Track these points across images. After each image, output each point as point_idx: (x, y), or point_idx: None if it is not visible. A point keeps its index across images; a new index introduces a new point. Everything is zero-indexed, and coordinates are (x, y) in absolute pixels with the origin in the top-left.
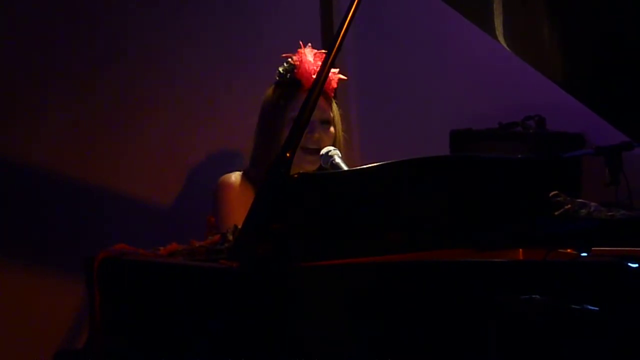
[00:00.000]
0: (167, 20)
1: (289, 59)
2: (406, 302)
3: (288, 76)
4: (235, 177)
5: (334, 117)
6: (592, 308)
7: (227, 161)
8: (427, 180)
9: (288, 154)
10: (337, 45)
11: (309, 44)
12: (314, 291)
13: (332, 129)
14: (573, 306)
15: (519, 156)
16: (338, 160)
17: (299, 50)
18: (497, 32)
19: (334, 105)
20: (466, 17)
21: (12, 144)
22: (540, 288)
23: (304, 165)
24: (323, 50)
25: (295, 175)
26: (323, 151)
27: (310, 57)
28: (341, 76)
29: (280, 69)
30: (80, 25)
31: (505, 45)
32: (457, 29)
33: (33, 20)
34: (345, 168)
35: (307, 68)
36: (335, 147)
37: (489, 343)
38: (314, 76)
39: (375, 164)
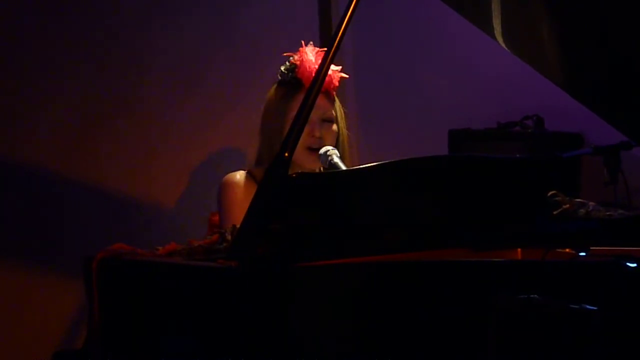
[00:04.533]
0: (167, 20)
1: (290, 58)
2: (405, 302)
3: (290, 76)
4: (239, 176)
5: (336, 115)
6: (591, 308)
7: (227, 161)
8: (425, 180)
9: (286, 154)
10: (335, 45)
11: (311, 43)
12: (312, 291)
13: (334, 127)
14: (571, 306)
15: (518, 156)
16: (336, 159)
17: (300, 49)
18: (496, 32)
19: (337, 104)
20: (465, 17)
21: (10, 143)
22: (538, 288)
23: (307, 165)
24: (324, 49)
25: (294, 175)
26: (322, 151)
27: (311, 56)
28: (343, 74)
29: (282, 68)
30: (79, 25)
31: (503, 45)
32: (456, 29)
33: (30, 19)
34: (344, 168)
35: (308, 67)
36: (339, 145)
37: (488, 342)
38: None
39: (373, 164)
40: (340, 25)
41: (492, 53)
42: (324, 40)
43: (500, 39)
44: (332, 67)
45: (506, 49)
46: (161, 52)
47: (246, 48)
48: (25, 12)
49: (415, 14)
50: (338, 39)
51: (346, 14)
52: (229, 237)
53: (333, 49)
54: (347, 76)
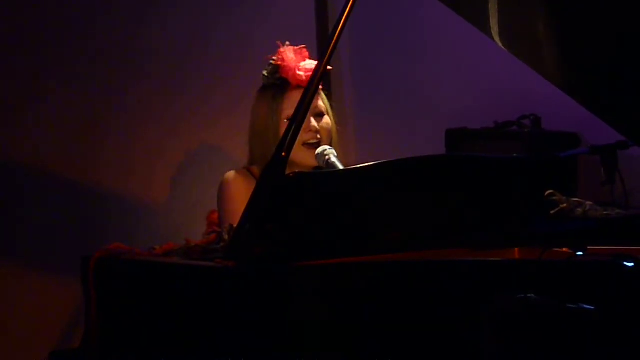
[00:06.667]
0: (163, 20)
1: (271, 61)
2: (403, 301)
3: (274, 77)
4: (240, 173)
5: (326, 108)
6: (588, 307)
7: (224, 160)
8: (423, 179)
9: (283, 154)
10: (332, 45)
11: (287, 42)
12: (310, 291)
13: (326, 119)
14: (569, 305)
15: (515, 155)
16: (334, 159)
17: (279, 50)
18: (493, 32)
19: (323, 96)
20: (462, 16)
21: (7, 143)
22: (536, 287)
23: (306, 162)
24: (302, 46)
25: (291, 175)
26: (318, 150)
27: (291, 54)
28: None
29: (265, 72)
30: (76, 24)
31: (500, 44)
32: (453, 28)
33: (28, 19)
34: (341, 167)
35: (290, 65)
36: (331, 137)
37: (485, 342)
38: (299, 72)
39: (370, 164)
40: (337, 25)
41: (489, 52)
42: (321, 39)
43: (497, 39)
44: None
45: (503, 48)
46: (157, 51)
47: (243, 48)
48: (21, 11)
49: (412, 13)
50: (335, 38)
51: (343, 14)
52: (227, 237)
53: (330, 48)
54: (331, 68)
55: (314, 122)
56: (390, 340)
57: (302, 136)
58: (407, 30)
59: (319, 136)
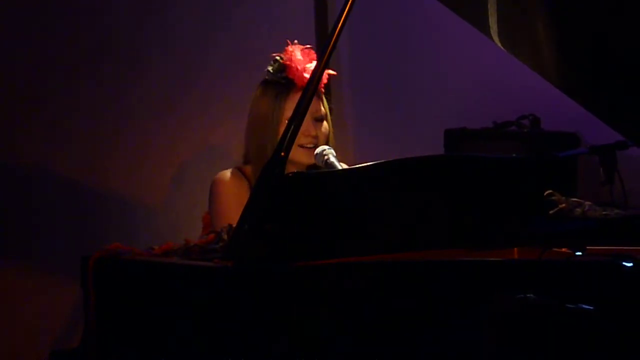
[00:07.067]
0: (162, 20)
1: (278, 58)
2: (402, 301)
3: (279, 76)
4: (231, 173)
5: (326, 113)
6: (587, 307)
7: (221, 160)
8: (422, 179)
9: (282, 154)
10: (331, 45)
11: (296, 41)
12: (309, 291)
13: (324, 123)
14: (568, 305)
15: (514, 155)
16: (332, 159)
17: (287, 48)
18: (492, 31)
19: (324, 100)
20: (461, 16)
21: (8, 143)
22: (535, 287)
23: (302, 160)
24: (309, 45)
25: (290, 175)
26: (317, 150)
27: (299, 55)
28: (330, 71)
29: (270, 69)
30: (76, 25)
31: (499, 45)
32: (451, 28)
33: (29, 19)
34: (340, 167)
35: (298, 67)
36: (328, 141)
37: (485, 342)
38: (305, 74)
39: (369, 164)
40: (337, 25)
41: (489, 53)
42: (320, 40)
43: (496, 39)
44: None
45: (502, 48)
46: (158, 52)
47: (242, 48)
48: (24, 14)
49: (411, 13)
50: (334, 38)
51: (342, 14)
52: (225, 237)
53: (329, 48)
54: (335, 73)
55: (313, 128)
56: (390, 340)
57: (300, 139)
58: (407, 30)
59: (315, 141)
